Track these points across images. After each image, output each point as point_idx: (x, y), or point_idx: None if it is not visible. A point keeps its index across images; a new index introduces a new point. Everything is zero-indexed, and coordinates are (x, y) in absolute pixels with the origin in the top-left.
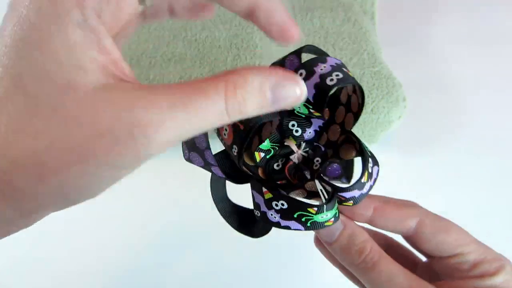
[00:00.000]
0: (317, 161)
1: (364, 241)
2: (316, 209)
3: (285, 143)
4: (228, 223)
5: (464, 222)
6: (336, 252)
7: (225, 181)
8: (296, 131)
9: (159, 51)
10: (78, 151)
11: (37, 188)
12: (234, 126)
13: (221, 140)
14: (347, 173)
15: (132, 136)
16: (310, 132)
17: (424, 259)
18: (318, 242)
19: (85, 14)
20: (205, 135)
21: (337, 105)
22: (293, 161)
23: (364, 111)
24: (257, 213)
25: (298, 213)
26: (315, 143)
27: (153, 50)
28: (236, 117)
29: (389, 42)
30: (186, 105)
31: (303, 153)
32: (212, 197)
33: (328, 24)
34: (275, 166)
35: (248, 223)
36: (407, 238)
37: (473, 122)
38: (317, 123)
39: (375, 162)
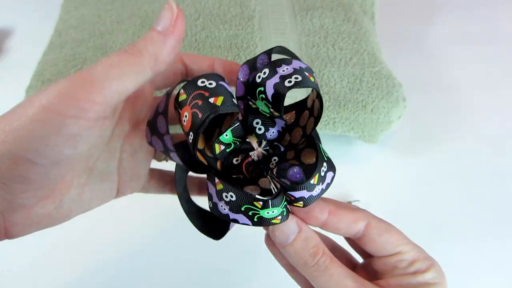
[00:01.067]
0: (274, 160)
1: (317, 245)
2: (261, 203)
3: (247, 139)
4: (192, 222)
5: (464, 222)
6: (290, 254)
7: (186, 177)
8: (260, 129)
9: None
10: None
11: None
12: (193, 113)
13: (182, 128)
14: (308, 178)
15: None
16: (273, 132)
17: (361, 260)
18: (269, 241)
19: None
20: (165, 119)
21: (304, 109)
22: (252, 157)
23: (364, 111)
24: (210, 204)
25: (245, 206)
26: (275, 143)
27: None
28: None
29: (389, 42)
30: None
31: (263, 151)
32: (177, 189)
33: (328, 24)
34: (234, 161)
35: (210, 223)
36: (352, 240)
37: (473, 122)
38: (280, 123)
39: (331, 168)
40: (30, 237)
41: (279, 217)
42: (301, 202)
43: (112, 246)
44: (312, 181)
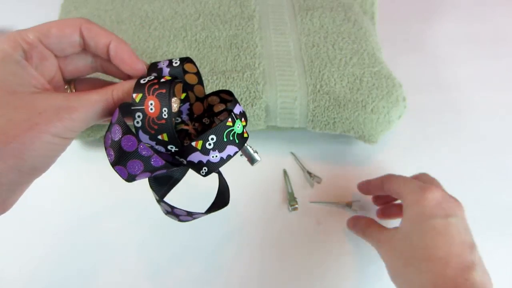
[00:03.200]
0: (205, 119)
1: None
2: (230, 119)
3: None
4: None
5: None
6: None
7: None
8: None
9: (159, 51)
10: (28, 123)
11: (2, 153)
12: (158, 93)
13: (148, 119)
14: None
15: (59, 114)
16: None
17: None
18: (352, 222)
19: (17, 58)
20: (123, 127)
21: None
22: (192, 133)
23: (364, 111)
24: (205, 169)
25: (225, 133)
26: (195, 116)
27: (153, 50)
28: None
29: (389, 42)
30: (85, 98)
31: (193, 127)
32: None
33: (328, 24)
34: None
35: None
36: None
37: (473, 122)
38: (185, 107)
39: (233, 143)
40: (28, 237)
41: (246, 131)
42: (205, 168)
43: (111, 245)
44: (194, 144)
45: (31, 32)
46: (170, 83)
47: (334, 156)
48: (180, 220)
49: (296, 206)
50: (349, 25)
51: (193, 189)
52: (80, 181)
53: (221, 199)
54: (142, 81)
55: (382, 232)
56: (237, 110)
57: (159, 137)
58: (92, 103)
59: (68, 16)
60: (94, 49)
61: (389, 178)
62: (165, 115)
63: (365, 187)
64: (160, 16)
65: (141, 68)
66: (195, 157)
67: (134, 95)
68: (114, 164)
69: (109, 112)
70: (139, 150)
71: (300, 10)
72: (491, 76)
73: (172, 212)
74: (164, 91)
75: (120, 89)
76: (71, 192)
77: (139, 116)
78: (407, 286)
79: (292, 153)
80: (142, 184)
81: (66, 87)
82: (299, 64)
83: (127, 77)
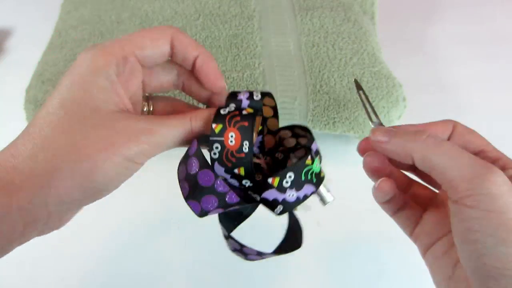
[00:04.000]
0: (279, 154)
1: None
2: (309, 157)
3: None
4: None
5: None
6: (397, 142)
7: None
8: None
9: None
10: (103, 143)
11: (72, 170)
12: (240, 126)
13: (226, 151)
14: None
15: (137, 136)
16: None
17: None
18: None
19: (109, 73)
20: (212, 171)
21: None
22: (264, 168)
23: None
24: (280, 207)
25: (304, 171)
26: (266, 149)
27: None
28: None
29: (389, 42)
30: (165, 123)
31: (266, 161)
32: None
33: (328, 24)
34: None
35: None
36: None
37: (473, 122)
38: (257, 140)
39: (311, 182)
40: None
41: (322, 168)
42: (280, 206)
43: (112, 246)
44: (270, 181)
45: (126, 45)
46: (253, 117)
47: (334, 156)
48: (246, 259)
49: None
50: (349, 25)
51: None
52: None
53: (293, 239)
54: (222, 112)
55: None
56: (314, 147)
57: (236, 170)
58: (171, 130)
59: (68, 16)
60: (181, 61)
61: (433, 145)
62: (245, 148)
63: (379, 145)
64: (160, 16)
65: (223, 85)
66: (271, 194)
67: (213, 125)
68: (187, 198)
69: (185, 141)
70: (215, 186)
71: (300, 10)
72: (491, 76)
73: (240, 250)
74: (246, 124)
75: (199, 117)
76: None
77: (217, 148)
78: None
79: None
80: (143, 185)
81: (144, 103)
82: (299, 64)
83: (205, 99)
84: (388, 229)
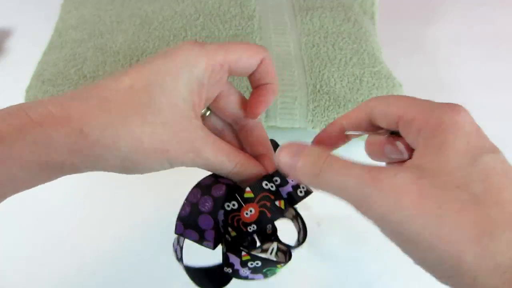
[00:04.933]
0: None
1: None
2: (282, 264)
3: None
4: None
5: None
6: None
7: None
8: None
9: (159, 51)
10: (162, 142)
11: (120, 150)
12: (262, 211)
13: (230, 212)
14: None
15: (190, 151)
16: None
17: None
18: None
19: (204, 76)
20: (214, 220)
21: None
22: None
23: None
24: (229, 270)
25: (268, 268)
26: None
27: (153, 50)
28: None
29: (389, 42)
30: (217, 149)
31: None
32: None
33: (328, 24)
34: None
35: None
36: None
37: None
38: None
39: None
40: (26, 236)
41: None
42: (230, 270)
43: (112, 246)
44: (242, 254)
45: (229, 53)
46: (279, 215)
47: None
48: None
49: (296, 206)
50: (349, 25)
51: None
52: (80, 182)
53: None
54: (264, 185)
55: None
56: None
57: (229, 228)
58: (217, 157)
59: (68, 16)
60: (254, 81)
61: (379, 100)
62: (250, 229)
63: (333, 128)
64: (160, 16)
65: (259, 112)
66: (233, 259)
67: (247, 189)
68: (181, 220)
69: (215, 171)
70: (199, 205)
71: (300, 10)
72: (491, 76)
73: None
74: (268, 215)
75: (246, 171)
76: (72, 192)
77: (234, 205)
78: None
79: None
80: (143, 183)
81: (203, 110)
82: (299, 64)
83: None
84: None
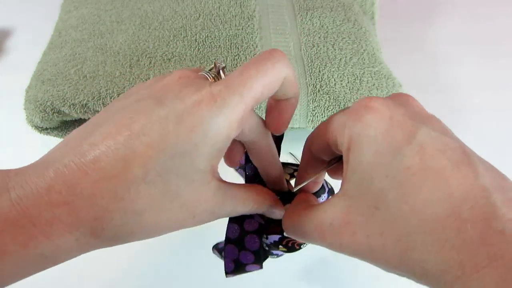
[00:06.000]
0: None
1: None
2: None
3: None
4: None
5: None
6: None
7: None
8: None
9: (159, 51)
10: (174, 216)
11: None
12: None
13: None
14: None
15: (208, 217)
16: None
17: None
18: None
19: (230, 140)
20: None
21: None
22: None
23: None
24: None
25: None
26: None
27: (153, 50)
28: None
29: (389, 42)
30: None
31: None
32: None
33: (328, 24)
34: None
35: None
36: None
37: (473, 122)
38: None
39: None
40: None
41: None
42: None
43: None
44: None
45: (245, 106)
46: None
47: None
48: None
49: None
50: (349, 25)
51: None
52: None
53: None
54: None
55: (312, 212)
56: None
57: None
58: (237, 206)
59: (68, 16)
60: (275, 95)
61: (316, 129)
62: (304, 246)
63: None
64: (160, 16)
65: (283, 130)
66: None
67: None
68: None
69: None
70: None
71: (300, 10)
72: (491, 76)
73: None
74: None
75: (263, 205)
76: None
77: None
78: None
79: (291, 153)
80: None
81: None
82: (299, 64)
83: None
84: None
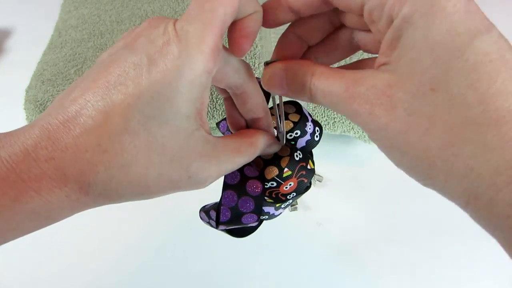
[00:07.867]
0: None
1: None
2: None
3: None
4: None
5: (464, 221)
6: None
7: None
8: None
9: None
10: (170, 184)
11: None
12: (300, 181)
13: (267, 194)
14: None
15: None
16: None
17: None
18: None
19: (210, 76)
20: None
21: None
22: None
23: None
24: (265, 217)
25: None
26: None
27: None
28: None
29: None
30: (230, 158)
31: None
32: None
33: None
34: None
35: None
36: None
37: None
38: None
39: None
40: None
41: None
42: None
43: (114, 246)
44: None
45: (216, 36)
46: (313, 173)
47: (334, 156)
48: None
49: (296, 206)
50: None
51: None
52: None
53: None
54: (296, 157)
55: (346, 73)
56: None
57: (266, 197)
58: (230, 158)
59: (68, 16)
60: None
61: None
62: (289, 197)
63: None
64: None
65: (246, 48)
66: (269, 209)
67: (285, 169)
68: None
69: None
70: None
71: None
72: None
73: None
74: (305, 180)
75: (260, 147)
76: None
77: (272, 184)
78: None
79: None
80: None
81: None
82: None
83: (249, 119)
84: (388, 229)
